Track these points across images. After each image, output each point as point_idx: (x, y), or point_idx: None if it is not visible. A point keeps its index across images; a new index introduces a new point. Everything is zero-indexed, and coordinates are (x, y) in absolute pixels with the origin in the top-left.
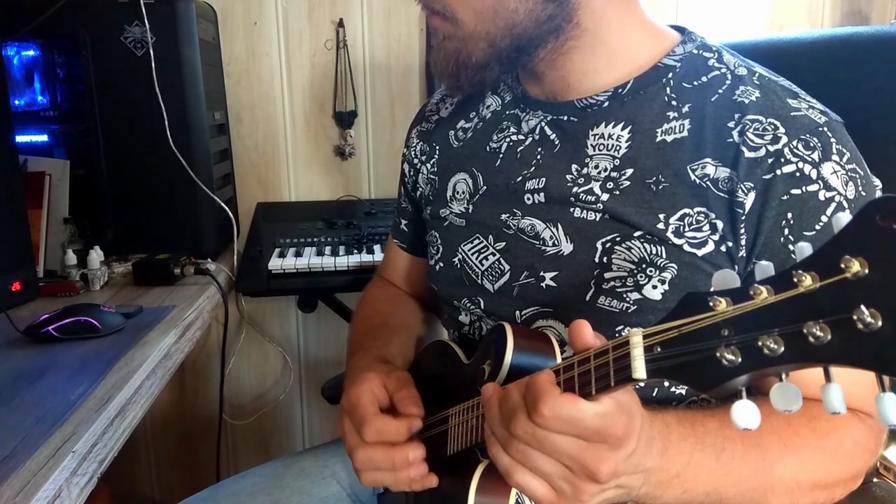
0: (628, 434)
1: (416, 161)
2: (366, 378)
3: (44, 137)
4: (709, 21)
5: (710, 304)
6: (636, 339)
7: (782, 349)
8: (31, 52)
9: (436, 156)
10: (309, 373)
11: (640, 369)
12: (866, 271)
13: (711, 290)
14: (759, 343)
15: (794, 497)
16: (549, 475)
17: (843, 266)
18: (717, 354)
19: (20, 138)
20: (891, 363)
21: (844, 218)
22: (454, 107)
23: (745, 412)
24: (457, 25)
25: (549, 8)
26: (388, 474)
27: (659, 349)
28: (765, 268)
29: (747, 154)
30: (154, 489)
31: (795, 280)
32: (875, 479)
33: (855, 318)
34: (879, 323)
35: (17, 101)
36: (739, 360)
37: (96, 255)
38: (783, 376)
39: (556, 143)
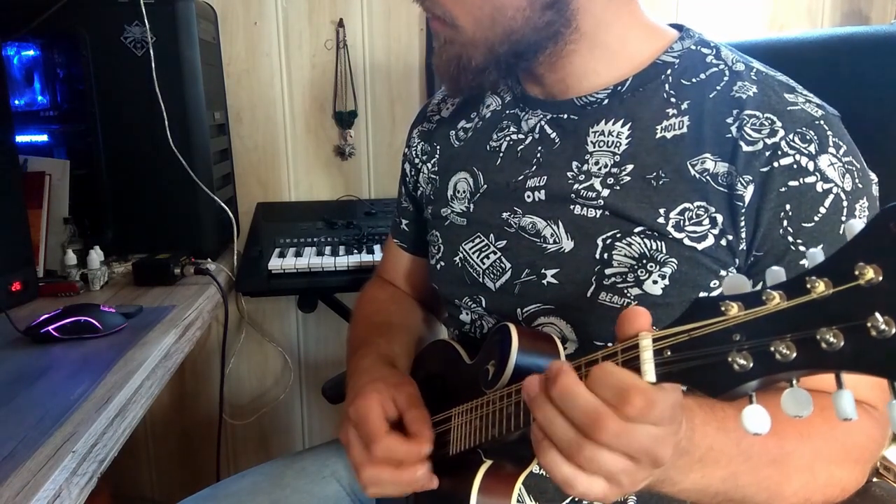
0: (682, 411)
1: (417, 161)
2: (374, 389)
3: (44, 137)
4: (709, 21)
5: (722, 308)
6: (645, 342)
7: (794, 355)
8: (31, 52)
9: (437, 155)
10: (309, 373)
11: (649, 372)
12: (880, 279)
13: (722, 294)
14: (772, 348)
15: (808, 489)
16: (614, 473)
17: (856, 273)
18: (729, 359)
19: (20, 138)
20: None
21: (858, 225)
22: (455, 107)
23: (755, 417)
24: (457, 31)
25: (548, 15)
26: (395, 490)
27: (669, 353)
28: (776, 273)
29: (745, 148)
30: (154, 489)
31: (808, 286)
32: (875, 479)
33: (869, 325)
34: (893, 330)
35: (17, 101)
36: (751, 365)
37: (96, 255)
38: (794, 382)
39: (556, 141)
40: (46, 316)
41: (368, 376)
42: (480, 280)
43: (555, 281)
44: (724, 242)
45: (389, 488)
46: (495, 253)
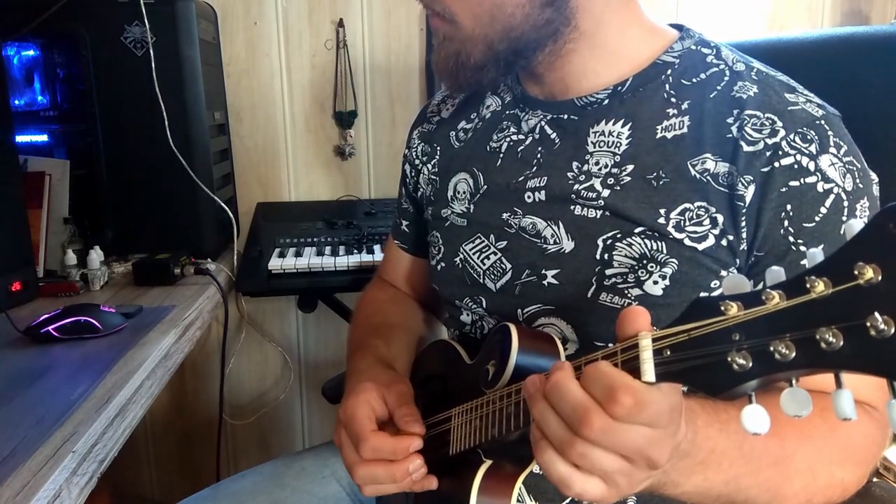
0: (681, 415)
1: (417, 162)
2: (364, 389)
3: (44, 137)
4: (709, 21)
5: (722, 308)
6: (645, 341)
7: (794, 354)
8: (31, 52)
9: (437, 156)
10: (309, 373)
11: (648, 372)
12: (879, 278)
13: (722, 294)
14: (771, 348)
15: (809, 490)
16: (609, 473)
17: (856, 273)
18: (728, 359)
19: (20, 138)
20: None
21: (857, 225)
22: (455, 107)
23: (755, 417)
24: (456, 27)
25: (547, 13)
26: (390, 486)
27: (668, 352)
28: (776, 273)
29: (746, 148)
30: (154, 489)
31: (808, 286)
32: (875, 479)
33: (868, 324)
34: (892, 330)
35: (17, 101)
36: (750, 364)
37: (96, 255)
38: (793, 381)
39: (557, 141)
40: (46, 316)
41: (362, 377)
42: (481, 281)
43: (555, 281)
44: (724, 243)
45: (386, 485)
46: (496, 254)
